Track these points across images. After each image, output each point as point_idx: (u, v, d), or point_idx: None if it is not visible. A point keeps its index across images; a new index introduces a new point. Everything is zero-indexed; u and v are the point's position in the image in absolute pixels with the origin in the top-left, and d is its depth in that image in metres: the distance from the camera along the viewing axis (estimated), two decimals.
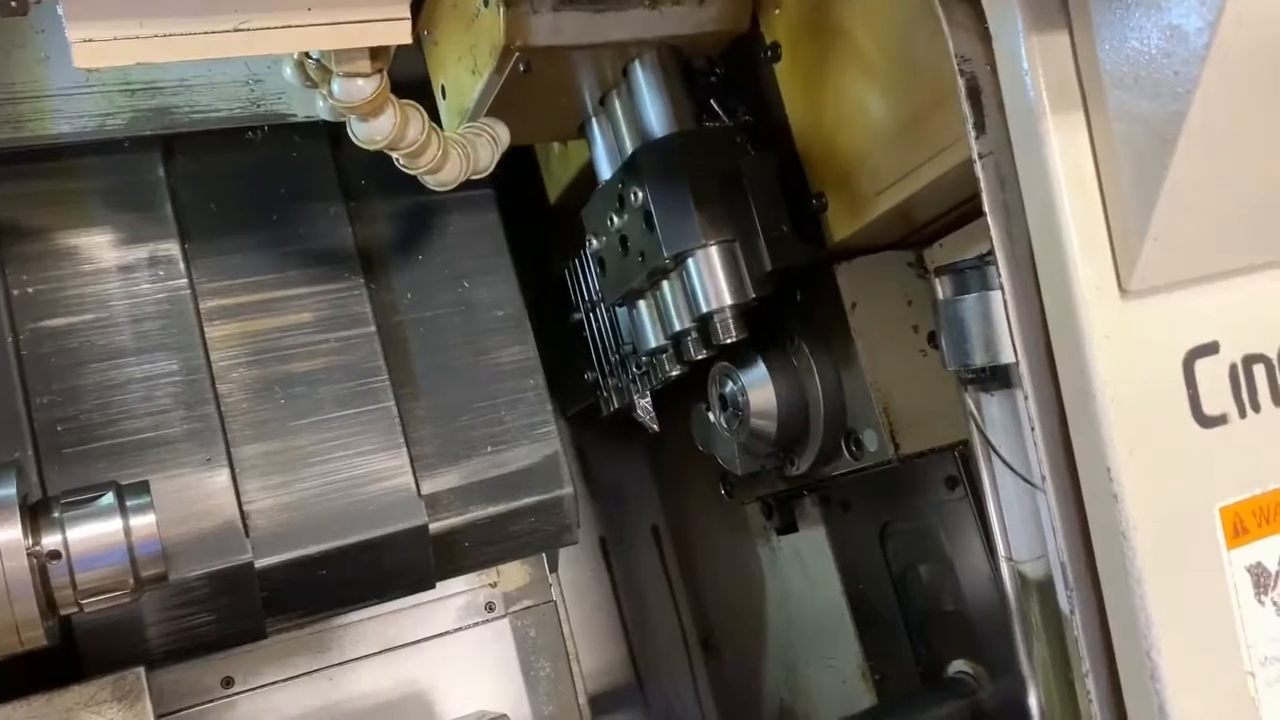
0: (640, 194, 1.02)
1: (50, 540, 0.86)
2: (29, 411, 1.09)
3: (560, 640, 1.33)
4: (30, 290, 1.12)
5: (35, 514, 0.87)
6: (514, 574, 1.33)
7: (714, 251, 1.01)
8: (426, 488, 1.23)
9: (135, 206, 1.19)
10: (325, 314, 1.23)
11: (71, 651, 1.06)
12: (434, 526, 1.22)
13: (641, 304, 1.14)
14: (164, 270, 1.18)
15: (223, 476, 1.14)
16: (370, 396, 1.22)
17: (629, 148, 1.08)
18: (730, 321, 1.03)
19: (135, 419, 1.12)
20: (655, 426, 1.27)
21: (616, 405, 1.34)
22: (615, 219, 1.08)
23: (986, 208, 0.70)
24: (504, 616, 1.32)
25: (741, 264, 1.01)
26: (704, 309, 1.02)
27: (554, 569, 1.44)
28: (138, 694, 1.02)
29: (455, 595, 1.30)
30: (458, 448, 1.26)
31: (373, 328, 1.24)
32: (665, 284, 1.07)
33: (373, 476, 1.21)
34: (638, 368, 1.26)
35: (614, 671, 1.69)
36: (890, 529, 1.22)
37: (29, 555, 0.83)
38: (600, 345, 1.35)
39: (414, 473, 1.22)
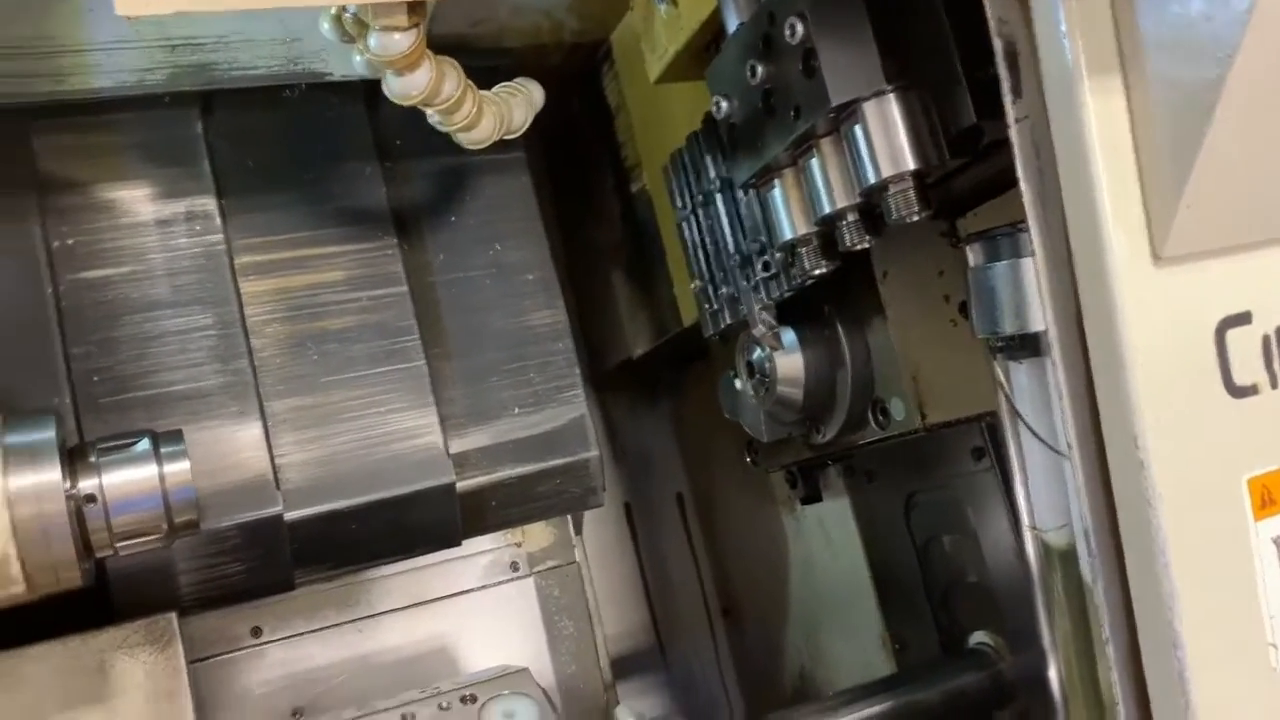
0: (799, 27, 0.80)
1: (87, 484, 0.88)
2: (67, 361, 1.11)
3: (583, 601, 1.34)
4: (70, 242, 1.14)
5: (73, 458, 0.88)
6: (539, 534, 1.34)
7: (895, 101, 0.80)
8: (455, 447, 1.24)
9: (173, 161, 1.20)
10: (358, 272, 1.24)
11: (105, 596, 1.09)
12: (461, 485, 1.23)
13: (778, 184, 0.94)
14: (200, 225, 1.19)
15: (255, 430, 1.16)
16: (401, 355, 1.24)
17: None
18: (912, 195, 0.81)
19: (170, 371, 1.14)
20: (779, 344, 1.10)
21: (729, 320, 1.14)
22: (758, 69, 0.87)
23: (1020, 173, 0.69)
24: (528, 576, 1.33)
25: (934, 116, 0.81)
26: (875, 178, 0.81)
27: (579, 532, 1.46)
28: (170, 638, 1.04)
29: (481, 554, 1.32)
30: (486, 408, 1.28)
31: (405, 287, 1.25)
32: (815, 154, 0.87)
33: (402, 434, 1.22)
34: (765, 270, 1.05)
35: (635, 635, 1.71)
36: (915, 500, 1.22)
37: (67, 498, 0.85)
38: (711, 247, 1.15)
39: (443, 432, 1.23)
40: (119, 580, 1.08)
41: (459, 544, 1.27)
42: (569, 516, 1.40)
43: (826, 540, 1.42)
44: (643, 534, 1.78)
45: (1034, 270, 0.71)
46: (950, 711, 1.13)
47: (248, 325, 1.18)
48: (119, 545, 0.89)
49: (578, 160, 1.55)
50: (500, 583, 1.31)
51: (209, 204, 1.20)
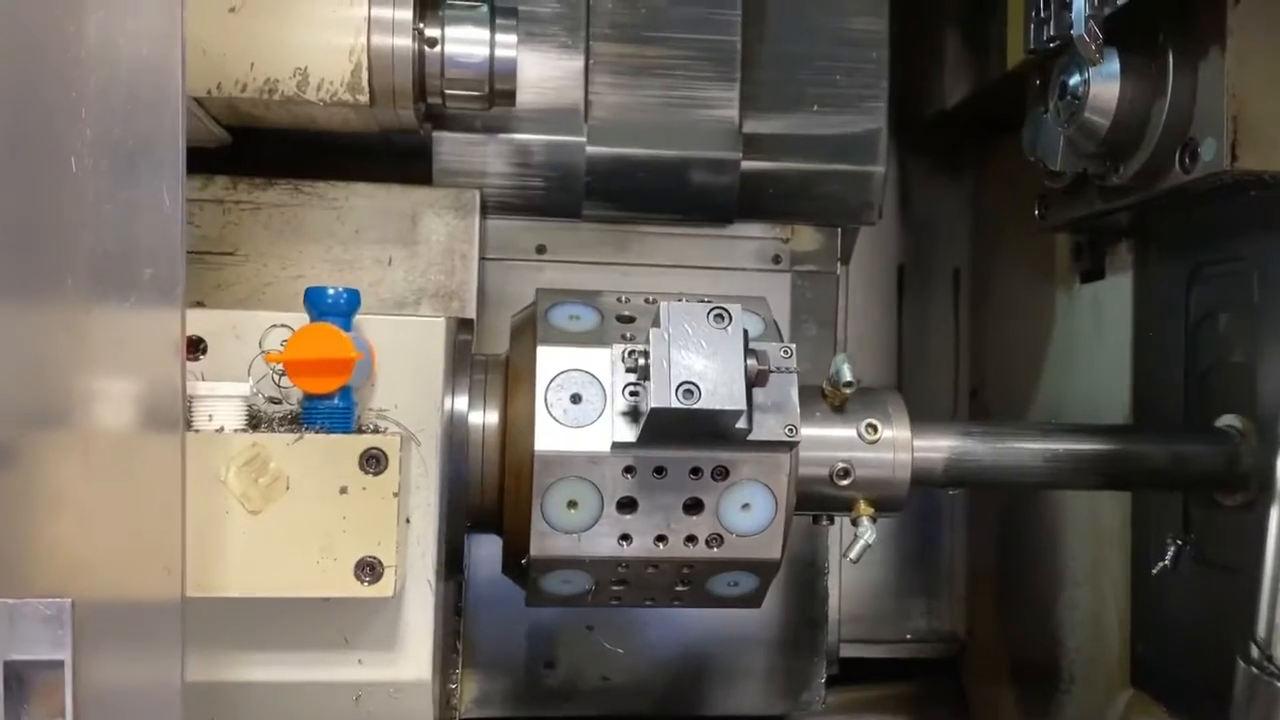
0: None
1: (432, 30, 1.01)
2: None
3: (833, 308, 1.39)
4: None
5: (424, 5, 1.01)
6: (807, 237, 1.38)
7: None
8: (749, 127, 1.30)
9: None
10: None
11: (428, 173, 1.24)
12: (746, 164, 1.29)
13: None
14: None
15: (577, 63, 1.26)
16: (720, 27, 1.29)
17: None
18: None
19: None
20: (1099, 57, 1.05)
21: (1053, 31, 1.12)
22: None
23: None
24: (787, 271, 1.38)
25: None
26: None
27: (845, 261, 1.48)
28: (470, 209, 1.19)
29: (750, 239, 1.38)
30: (787, 99, 1.32)
31: None
32: None
33: (703, 102, 1.29)
34: None
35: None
36: (1201, 272, 1.15)
37: (414, 35, 0.98)
38: None
39: (740, 110, 1.29)
40: (442, 149, 1.22)
41: (731, 222, 1.34)
42: (838, 236, 1.42)
43: (1097, 319, 1.38)
44: (909, 300, 1.78)
45: None
46: (1173, 475, 1.10)
47: None
48: (447, 93, 1.02)
49: None
50: (760, 269, 1.38)
51: None
